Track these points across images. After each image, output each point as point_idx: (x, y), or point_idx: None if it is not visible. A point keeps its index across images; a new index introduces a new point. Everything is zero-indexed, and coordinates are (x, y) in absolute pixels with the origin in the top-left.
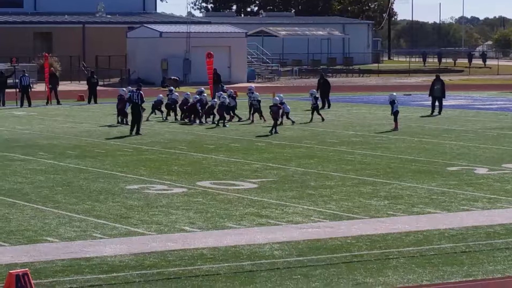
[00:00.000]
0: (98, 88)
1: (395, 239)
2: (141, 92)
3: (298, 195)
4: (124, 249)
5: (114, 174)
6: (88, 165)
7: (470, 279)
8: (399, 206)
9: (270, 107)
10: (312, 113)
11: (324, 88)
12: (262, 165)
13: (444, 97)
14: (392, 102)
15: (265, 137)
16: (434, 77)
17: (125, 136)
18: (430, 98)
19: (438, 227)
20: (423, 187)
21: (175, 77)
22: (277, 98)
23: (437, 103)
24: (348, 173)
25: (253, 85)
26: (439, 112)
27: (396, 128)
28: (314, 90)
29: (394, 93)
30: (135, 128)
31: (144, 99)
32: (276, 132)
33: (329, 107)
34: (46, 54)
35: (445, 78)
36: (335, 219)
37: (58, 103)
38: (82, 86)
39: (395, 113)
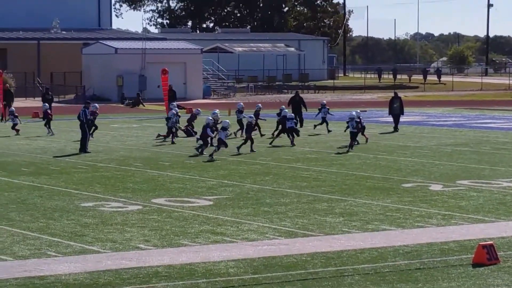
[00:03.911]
0: (53, 104)
1: (350, 256)
2: (86, 110)
3: (253, 212)
4: (78, 267)
5: (69, 192)
6: (42, 183)
7: None
8: (354, 223)
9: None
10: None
11: (298, 106)
12: (218, 182)
13: (403, 113)
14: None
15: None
16: (392, 95)
17: (80, 153)
18: (391, 116)
19: (393, 244)
20: (378, 203)
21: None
22: (354, 113)
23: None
24: (304, 190)
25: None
26: (395, 129)
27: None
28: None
29: (354, 112)
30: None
31: (89, 117)
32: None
33: (301, 125)
34: (0, 71)
35: (401, 94)
36: (290, 236)
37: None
38: (37, 102)
39: (362, 129)
